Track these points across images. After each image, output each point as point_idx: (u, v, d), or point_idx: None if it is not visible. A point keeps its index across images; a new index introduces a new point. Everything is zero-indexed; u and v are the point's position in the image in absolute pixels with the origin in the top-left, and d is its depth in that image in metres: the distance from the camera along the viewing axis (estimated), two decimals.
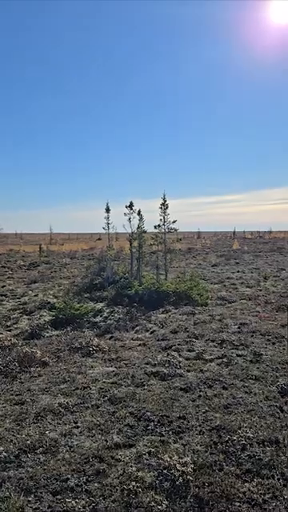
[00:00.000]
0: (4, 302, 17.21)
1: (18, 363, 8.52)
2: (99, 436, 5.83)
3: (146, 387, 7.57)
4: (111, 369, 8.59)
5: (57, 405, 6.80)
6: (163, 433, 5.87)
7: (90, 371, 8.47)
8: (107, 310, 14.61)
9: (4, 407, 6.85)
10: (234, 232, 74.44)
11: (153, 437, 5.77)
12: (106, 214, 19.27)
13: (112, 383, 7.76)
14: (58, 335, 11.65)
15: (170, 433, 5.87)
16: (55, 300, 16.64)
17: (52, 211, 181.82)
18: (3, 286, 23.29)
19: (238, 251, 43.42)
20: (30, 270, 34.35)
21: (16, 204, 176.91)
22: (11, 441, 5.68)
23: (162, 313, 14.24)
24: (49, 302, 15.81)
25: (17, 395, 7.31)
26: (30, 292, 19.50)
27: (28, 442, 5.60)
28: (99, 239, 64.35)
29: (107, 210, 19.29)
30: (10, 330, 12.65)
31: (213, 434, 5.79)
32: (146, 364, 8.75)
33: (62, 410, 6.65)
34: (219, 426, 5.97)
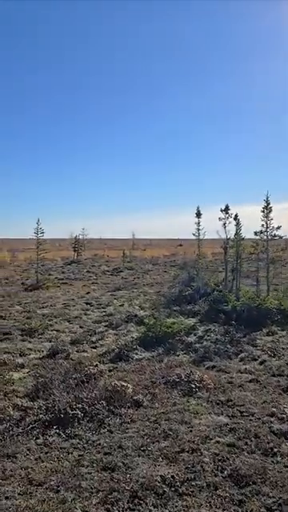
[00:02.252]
0: (89, 312, 15.75)
1: (105, 401, 6.65)
2: None
3: (278, 457, 5.27)
4: (223, 419, 6.37)
5: (159, 479, 4.76)
6: None
7: (196, 420, 6.33)
8: (201, 328, 12.40)
9: (90, 473, 4.96)
10: None
11: None
12: (196, 220, 17.15)
13: (229, 446, 5.54)
14: (148, 359, 9.69)
15: None
16: (142, 312, 14.81)
17: (134, 218, 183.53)
18: (88, 293, 22.12)
19: None
20: (114, 276, 33.28)
21: (100, 211, 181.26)
22: None
23: (267, 335, 11.73)
24: (136, 315, 14.00)
25: (105, 454, 5.39)
26: (115, 301, 17.93)
27: None
28: (180, 245, 62.35)
29: (198, 215, 17.15)
30: (95, 347, 10.97)
31: None
32: (270, 416, 6.41)
33: (167, 490, 4.59)
34: None
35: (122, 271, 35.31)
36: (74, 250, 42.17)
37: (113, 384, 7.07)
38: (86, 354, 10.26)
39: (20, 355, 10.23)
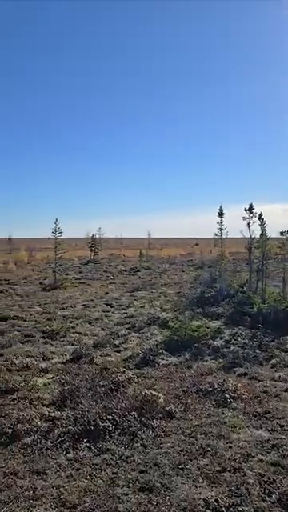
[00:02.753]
0: (110, 314, 15.40)
1: (136, 412, 6.26)
2: None
3: None
4: (263, 434, 5.92)
5: (202, 503, 4.35)
6: None
7: (235, 435, 5.89)
8: (227, 332, 11.93)
9: (126, 494, 4.57)
10: None
11: None
12: (219, 219, 16.64)
13: (274, 465, 5.10)
14: (176, 364, 9.28)
15: None
16: (164, 314, 14.40)
17: (149, 217, 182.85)
18: (106, 293, 21.80)
19: None
20: (131, 276, 32.93)
21: (114, 211, 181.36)
22: None
23: None
24: (158, 317, 13.60)
25: (141, 472, 4.99)
26: (136, 302, 17.55)
27: None
28: (196, 244, 61.74)
29: (220, 215, 16.63)
30: (119, 351, 10.60)
31: None
32: None
33: None
34: None
35: (139, 271, 34.94)
36: (91, 250, 41.98)
37: (143, 393, 6.67)
38: (110, 359, 9.89)
39: (43, 359, 9.91)
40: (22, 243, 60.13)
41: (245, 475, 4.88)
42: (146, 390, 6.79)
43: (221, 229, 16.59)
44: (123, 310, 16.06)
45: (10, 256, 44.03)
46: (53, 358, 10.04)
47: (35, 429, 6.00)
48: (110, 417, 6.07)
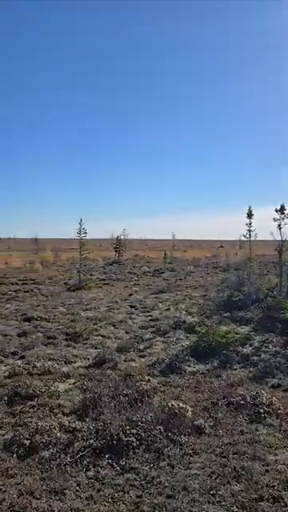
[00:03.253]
0: (134, 316, 14.94)
1: (162, 426, 5.75)
2: None
3: None
4: None
5: None
6: None
7: (271, 456, 5.29)
8: (257, 338, 11.25)
9: None
10: None
11: None
12: (247, 220, 15.92)
13: None
14: (203, 373, 8.70)
15: None
16: (190, 318, 13.83)
17: (173, 219, 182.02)
18: (130, 295, 21.38)
19: None
20: (155, 277, 32.43)
21: (138, 212, 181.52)
22: None
23: None
24: (184, 321, 13.04)
25: (168, 497, 4.47)
26: (160, 305, 17.04)
27: None
28: (221, 246, 60.68)
29: (249, 216, 15.92)
30: (143, 356, 10.11)
31: None
32: None
33: None
34: None
35: (163, 272, 34.41)
36: (116, 251, 41.72)
37: (169, 405, 6.15)
38: (134, 364, 9.42)
39: (65, 363, 9.53)
40: (47, 243, 60.59)
41: (285, 506, 4.29)
42: (173, 402, 6.26)
43: (249, 230, 15.85)
44: (148, 312, 15.57)
45: (37, 256, 44.30)
46: (75, 362, 9.65)
47: (54, 441, 5.57)
48: (134, 430, 5.58)
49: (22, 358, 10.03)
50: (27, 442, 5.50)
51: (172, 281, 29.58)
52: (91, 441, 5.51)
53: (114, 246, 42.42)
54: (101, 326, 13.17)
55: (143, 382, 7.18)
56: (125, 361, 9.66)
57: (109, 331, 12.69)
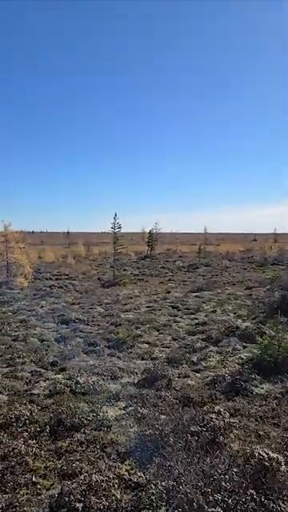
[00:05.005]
0: (178, 319, 13.49)
1: (253, 487, 4.28)
2: None
3: None
4: None
5: None
6: None
7: None
8: None
9: None
10: None
11: None
12: None
13: None
14: (276, 397, 7.15)
15: None
16: (242, 323, 12.25)
17: (206, 213, 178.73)
18: (168, 292, 19.93)
19: None
20: (190, 272, 30.85)
21: (172, 206, 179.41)
22: None
23: None
24: (237, 327, 11.48)
25: None
26: (204, 305, 15.51)
27: None
28: (255, 240, 58.26)
29: None
30: (198, 371, 8.66)
31: None
32: None
33: None
34: None
35: (198, 267, 32.79)
36: (148, 245, 40.29)
37: (256, 454, 4.67)
38: (190, 382, 7.98)
39: (111, 378, 8.20)
40: (78, 237, 59.81)
41: None
42: (259, 449, 4.77)
43: None
44: (192, 314, 14.09)
45: (69, 250, 43.46)
46: (122, 377, 8.30)
47: (114, 505, 4.20)
48: (219, 496, 4.13)
49: (63, 370, 8.77)
50: (80, 507, 4.16)
51: (208, 276, 27.98)
52: (161, 510, 4.10)
53: (147, 240, 40.98)
54: (144, 331, 11.79)
55: (213, 416, 5.70)
56: (179, 377, 8.23)
57: (154, 337, 11.31)
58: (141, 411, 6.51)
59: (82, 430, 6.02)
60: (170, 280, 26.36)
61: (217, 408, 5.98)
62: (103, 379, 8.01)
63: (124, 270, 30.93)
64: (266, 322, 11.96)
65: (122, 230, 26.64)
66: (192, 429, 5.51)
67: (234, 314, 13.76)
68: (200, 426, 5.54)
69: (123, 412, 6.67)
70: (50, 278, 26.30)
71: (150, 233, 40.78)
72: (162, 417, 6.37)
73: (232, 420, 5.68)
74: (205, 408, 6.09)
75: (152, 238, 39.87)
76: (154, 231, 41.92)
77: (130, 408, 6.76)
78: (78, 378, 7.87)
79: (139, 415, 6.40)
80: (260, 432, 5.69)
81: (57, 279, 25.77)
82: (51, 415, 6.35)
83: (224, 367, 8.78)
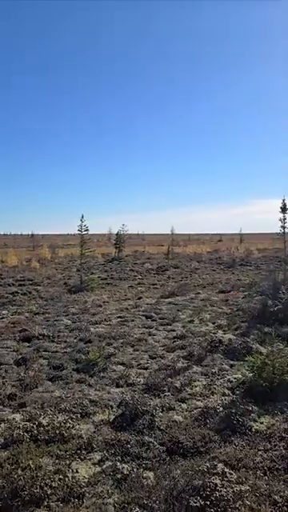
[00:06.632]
0: (154, 331, 12.07)
1: None
2: None
3: None
4: None
5: None
6: None
7: None
8: None
9: None
10: None
11: None
12: (281, 215, 13.13)
13: None
14: (281, 436, 5.88)
15: None
16: (224, 334, 11.01)
17: (171, 213, 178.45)
18: (139, 298, 18.52)
19: None
20: (159, 275, 29.56)
21: (138, 207, 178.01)
22: None
23: None
24: (220, 341, 10.21)
25: None
26: (180, 314, 14.20)
27: None
28: (220, 240, 57.93)
29: (283, 210, 13.12)
30: (183, 401, 7.27)
31: None
32: None
33: None
34: None
35: (167, 270, 31.56)
36: (116, 247, 38.70)
37: None
38: (176, 417, 6.58)
39: (81, 415, 6.67)
40: (43, 240, 57.26)
41: None
42: None
43: (284, 227, 13.04)
44: (168, 325, 12.73)
45: (34, 253, 41.14)
46: (95, 414, 6.79)
47: None
48: None
49: (23, 405, 7.14)
50: None
51: (178, 279, 26.84)
52: None
53: (114, 242, 39.36)
54: (117, 349, 10.31)
55: (217, 482, 4.31)
56: (162, 410, 6.82)
57: (128, 356, 9.85)
58: (121, 468, 5.05)
59: (46, 503, 4.49)
60: (139, 284, 25.01)
61: (220, 467, 4.60)
62: (72, 418, 6.46)
63: (91, 273, 29.25)
64: (249, 334, 10.79)
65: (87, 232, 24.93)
66: (192, 503, 4.10)
67: (213, 323, 12.55)
68: (202, 498, 4.14)
69: (98, 470, 5.17)
70: (13, 284, 24.23)
71: (117, 234, 39.19)
72: (149, 474, 4.95)
73: (242, 487, 4.30)
74: (204, 467, 4.67)
75: (120, 240, 38.30)
76: (122, 232, 40.39)
77: (107, 463, 5.28)
78: (41, 419, 6.29)
79: (119, 475, 4.93)
80: (275, 496, 4.38)
81: (20, 285, 23.74)
82: (4, 482, 4.75)
83: (212, 393, 7.46)
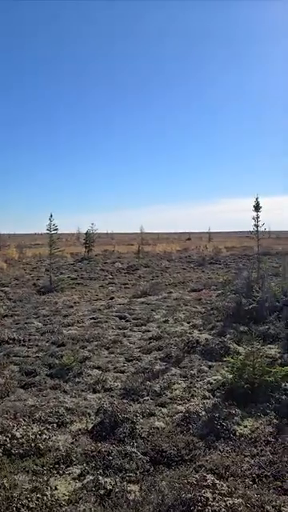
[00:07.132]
0: (128, 333, 11.76)
1: None
2: None
3: None
4: None
5: None
6: None
7: None
8: None
9: None
10: None
11: None
12: (255, 214, 13.19)
13: None
14: (266, 440, 5.72)
15: None
16: (200, 334, 10.85)
17: (140, 212, 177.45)
18: (111, 298, 18.14)
19: None
20: (130, 274, 29.27)
21: (99, 205, 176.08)
22: None
23: None
24: (197, 342, 10.03)
25: None
26: (154, 314, 13.95)
27: None
28: (189, 239, 58.31)
29: (257, 209, 13.15)
30: (163, 405, 6.99)
31: None
32: None
33: None
34: None
35: (137, 269, 31.29)
36: (85, 247, 38.01)
37: None
38: (157, 423, 6.30)
39: (57, 425, 6.26)
40: (9, 239, 55.60)
41: None
42: None
43: (257, 226, 13.07)
44: (143, 326, 12.45)
45: (0, 253, 39.75)
46: (72, 423, 6.40)
47: None
48: None
49: None
50: None
51: (149, 278, 26.67)
52: None
53: (84, 241, 38.66)
54: (92, 351, 9.91)
55: (208, 495, 4.05)
56: (143, 416, 6.51)
57: (104, 359, 9.49)
58: (103, 482, 4.71)
59: None
60: (110, 283, 24.61)
61: (209, 479, 4.35)
62: (47, 429, 6.04)
63: (61, 273, 28.59)
64: (225, 333, 10.67)
65: (56, 231, 24.27)
66: (175, 506, 3.83)
67: (188, 323, 12.38)
68: (183, 506, 3.88)
69: (79, 485, 4.80)
70: None
71: (86, 233, 38.51)
72: (134, 488, 4.65)
73: (235, 501, 4.07)
74: (193, 479, 4.41)
75: (89, 239, 37.66)
76: (91, 231, 39.75)
77: (88, 477, 4.91)
78: (14, 431, 5.83)
79: (102, 491, 4.59)
80: (267, 507, 4.18)
81: None
82: None
83: (193, 396, 7.25)
